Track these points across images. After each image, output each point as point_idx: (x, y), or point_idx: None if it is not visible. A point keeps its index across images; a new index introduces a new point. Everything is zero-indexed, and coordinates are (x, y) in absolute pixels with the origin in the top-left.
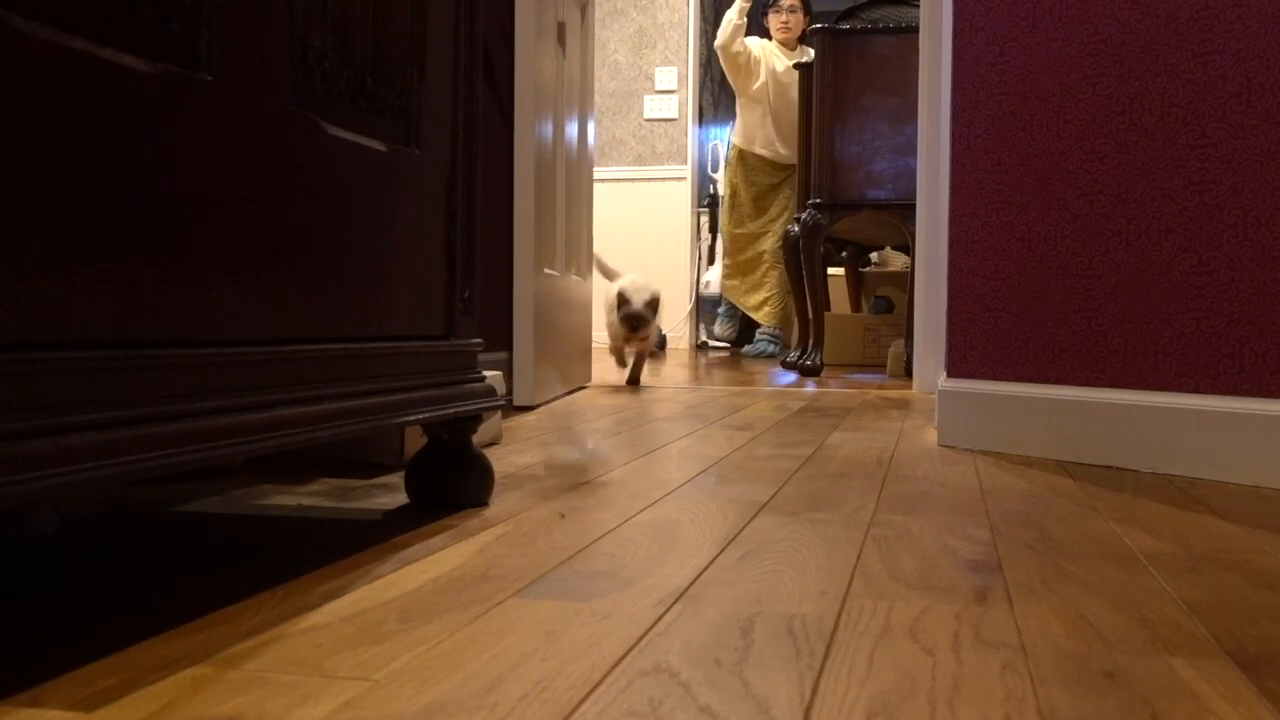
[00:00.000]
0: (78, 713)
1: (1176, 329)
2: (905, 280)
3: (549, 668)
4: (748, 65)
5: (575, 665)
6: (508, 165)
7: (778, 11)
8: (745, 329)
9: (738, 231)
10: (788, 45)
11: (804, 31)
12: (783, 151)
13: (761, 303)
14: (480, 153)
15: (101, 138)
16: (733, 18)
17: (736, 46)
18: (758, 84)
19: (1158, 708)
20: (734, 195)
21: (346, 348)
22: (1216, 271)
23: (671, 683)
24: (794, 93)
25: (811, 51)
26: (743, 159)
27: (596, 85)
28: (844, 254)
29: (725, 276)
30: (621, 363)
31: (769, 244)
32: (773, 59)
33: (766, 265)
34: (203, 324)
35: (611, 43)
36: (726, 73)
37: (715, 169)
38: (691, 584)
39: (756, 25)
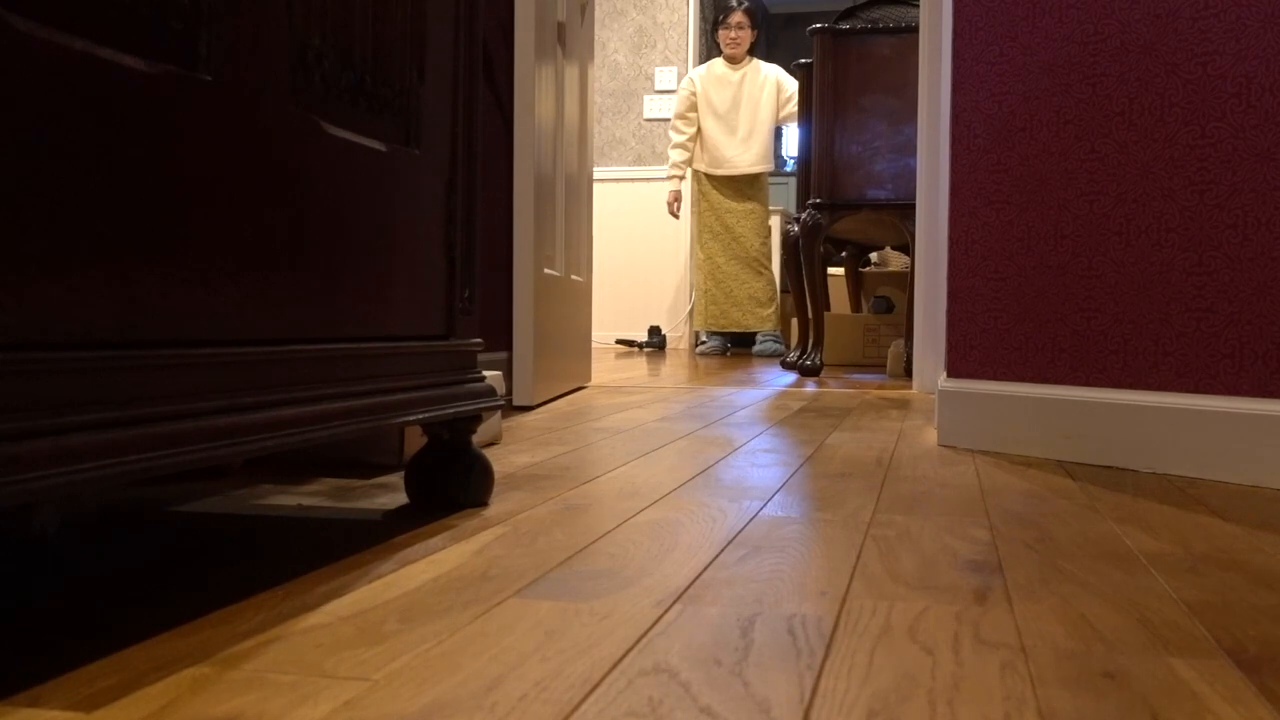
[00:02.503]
0: (78, 713)
1: (1176, 329)
2: (905, 280)
3: (549, 668)
4: (703, 109)
5: (575, 665)
6: (508, 165)
7: (727, 28)
8: (736, 342)
9: (717, 258)
10: (735, 60)
11: (752, 44)
12: (727, 155)
13: (767, 315)
14: (480, 153)
15: (101, 138)
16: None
17: (689, 136)
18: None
19: (1158, 708)
20: (703, 229)
21: (346, 348)
22: (1216, 271)
23: (671, 683)
24: (721, 102)
25: (759, 64)
26: (699, 184)
27: (596, 85)
28: (844, 254)
29: (709, 308)
30: None
31: (749, 248)
32: (706, 87)
33: (764, 278)
34: (203, 324)
35: (611, 42)
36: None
37: None
38: (691, 584)
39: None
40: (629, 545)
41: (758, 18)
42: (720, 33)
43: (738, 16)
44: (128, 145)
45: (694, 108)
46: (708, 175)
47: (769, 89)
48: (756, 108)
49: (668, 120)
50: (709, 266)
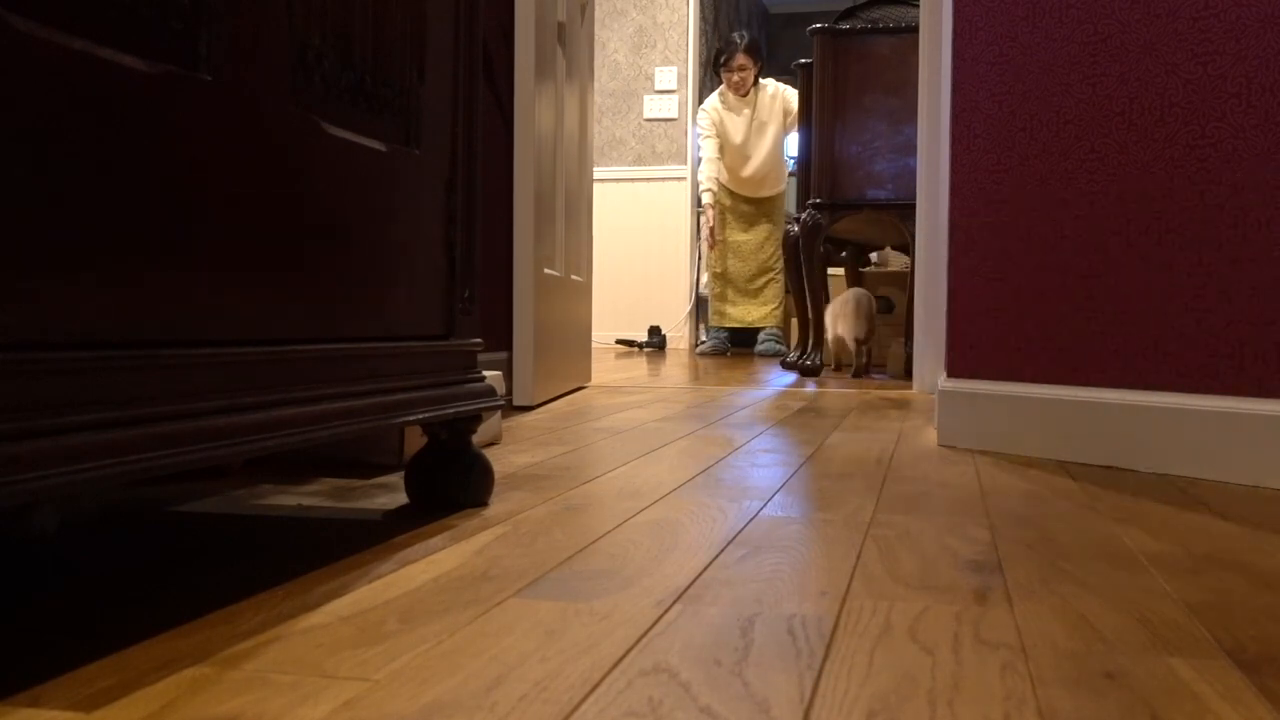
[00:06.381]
0: (78, 713)
1: (1176, 329)
2: (905, 280)
3: (549, 668)
4: (722, 136)
5: (575, 665)
6: (508, 165)
7: (730, 71)
8: (736, 342)
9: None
10: (742, 94)
11: (756, 76)
12: (743, 178)
13: (765, 315)
14: (480, 153)
15: (101, 138)
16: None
17: (714, 154)
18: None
19: (1157, 708)
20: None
21: (346, 348)
22: (1216, 271)
23: (671, 683)
24: (736, 133)
25: (764, 85)
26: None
27: (596, 85)
28: (844, 254)
29: (718, 299)
30: None
31: (764, 253)
32: (722, 116)
33: (766, 278)
34: (202, 324)
35: (611, 42)
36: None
37: None
38: (691, 584)
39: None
40: (629, 545)
41: (759, 53)
42: (724, 74)
43: (739, 59)
44: (127, 145)
45: (715, 125)
46: (724, 186)
47: (776, 109)
48: (766, 132)
49: (668, 120)
50: (719, 266)
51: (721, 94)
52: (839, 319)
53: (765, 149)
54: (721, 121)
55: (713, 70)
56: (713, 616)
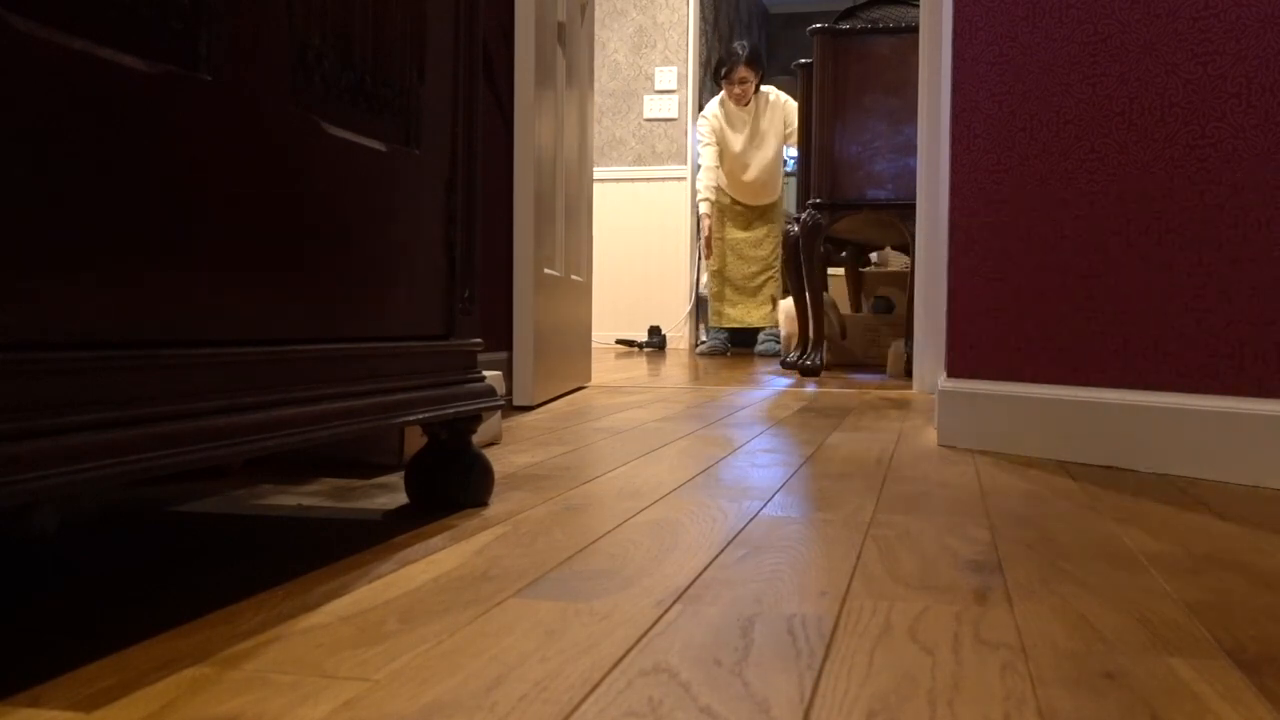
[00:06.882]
0: (78, 713)
1: (1176, 329)
2: (905, 280)
3: (549, 668)
4: (722, 143)
5: (575, 665)
6: (508, 165)
7: (731, 84)
8: (737, 341)
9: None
10: (743, 104)
11: (756, 85)
12: (743, 183)
13: (765, 315)
14: (480, 153)
15: (101, 138)
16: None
17: (713, 162)
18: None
19: (1157, 708)
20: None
21: (346, 348)
22: (1216, 271)
23: (671, 683)
24: (735, 142)
25: (764, 93)
26: (717, 196)
27: (596, 85)
28: (844, 254)
29: (716, 299)
30: None
31: (765, 250)
32: (723, 124)
33: (766, 276)
34: (202, 324)
35: (611, 42)
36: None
37: None
38: (691, 584)
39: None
40: (629, 545)
41: (760, 63)
42: (725, 86)
43: (741, 72)
44: (127, 145)
45: (715, 133)
46: (722, 189)
47: (776, 120)
48: (766, 143)
49: (668, 120)
50: (716, 265)
51: (722, 102)
52: (790, 320)
53: (764, 159)
54: (722, 130)
55: (712, 80)
56: (713, 616)
